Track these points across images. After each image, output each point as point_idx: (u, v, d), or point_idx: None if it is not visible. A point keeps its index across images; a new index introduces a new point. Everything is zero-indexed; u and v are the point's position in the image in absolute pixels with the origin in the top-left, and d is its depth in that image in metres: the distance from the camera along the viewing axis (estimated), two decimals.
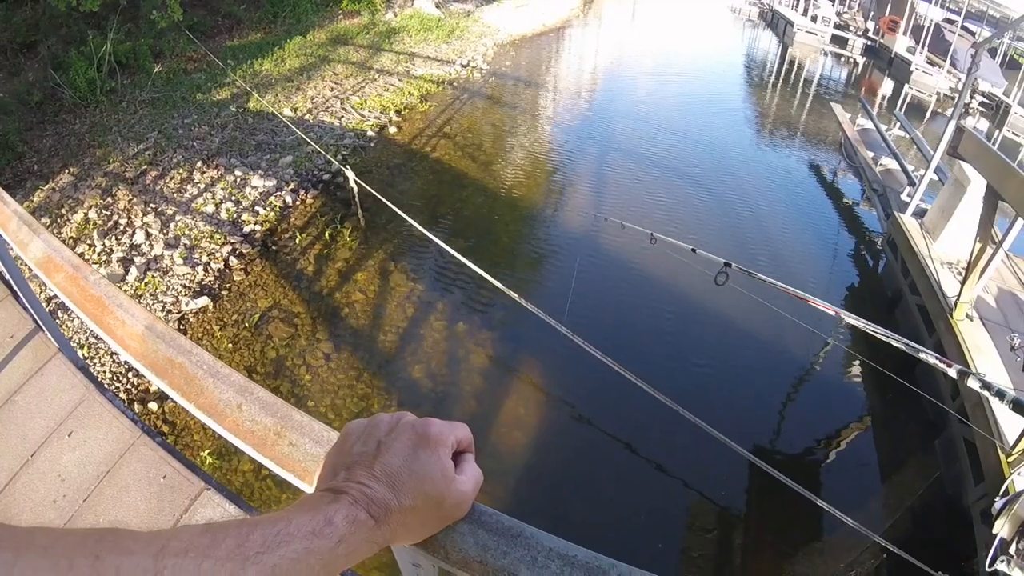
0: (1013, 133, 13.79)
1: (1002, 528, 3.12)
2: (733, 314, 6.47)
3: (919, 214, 7.37)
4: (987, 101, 15.42)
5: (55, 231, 6.87)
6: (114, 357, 5.40)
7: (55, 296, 3.27)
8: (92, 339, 5.50)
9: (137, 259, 6.64)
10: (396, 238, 7.67)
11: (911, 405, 5.50)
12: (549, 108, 13.69)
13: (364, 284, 6.84)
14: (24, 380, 1.72)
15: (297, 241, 7.46)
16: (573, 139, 11.90)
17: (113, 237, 6.96)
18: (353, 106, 11.42)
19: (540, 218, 8.89)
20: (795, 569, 4.42)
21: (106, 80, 10.15)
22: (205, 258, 6.82)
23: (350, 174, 7.05)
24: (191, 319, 6.09)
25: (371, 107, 11.51)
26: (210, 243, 7.06)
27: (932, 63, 18.16)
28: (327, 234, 7.59)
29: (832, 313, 3.77)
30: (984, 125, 14.96)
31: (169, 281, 6.43)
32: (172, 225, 7.24)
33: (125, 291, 6.16)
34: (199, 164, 8.53)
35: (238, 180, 8.34)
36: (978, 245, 5.15)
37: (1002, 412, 4.18)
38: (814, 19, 23.54)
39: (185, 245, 6.94)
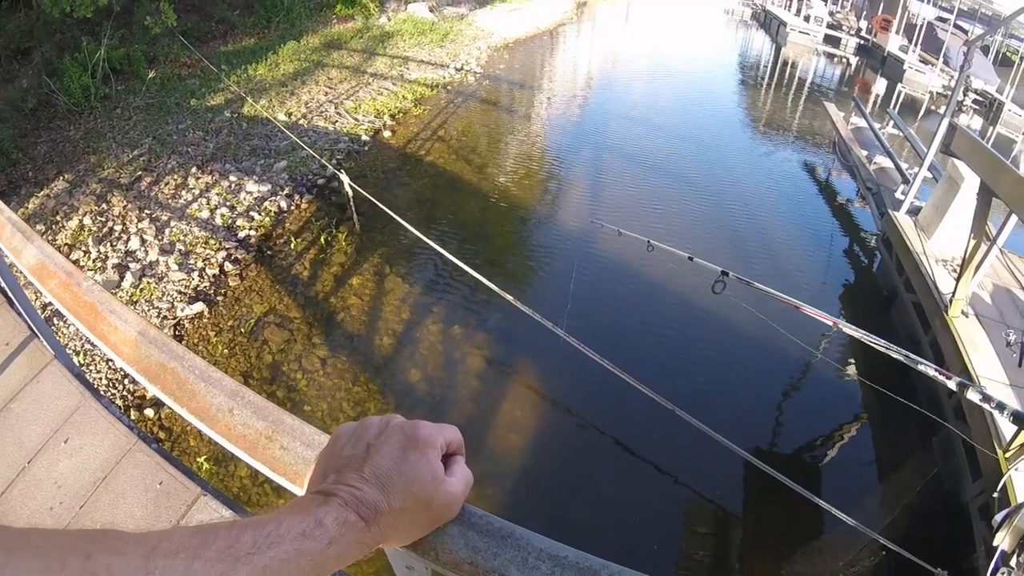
0: (1007, 130, 13.86)
1: (1003, 541, 3.13)
2: (731, 318, 6.46)
3: (913, 212, 7.40)
4: (980, 98, 15.52)
5: (50, 238, 6.84)
6: (109, 364, 5.38)
7: (50, 303, 3.27)
8: (88, 346, 5.47)
9: (132, 265, 6.62)
10: (391, 242, 7.66)
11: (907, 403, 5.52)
12: (543, 111, 13.71)
13: (359, 288, 6.83)
14: (20, 387, 1.72)
15: (292, 246, 7.44)
16: (567, 142, 11.92)
17: (108, 243, 6.94)
18: (347, 110, 11.42)
19: (535, 223, 8.87)
20: (794, 568, 4.43)
21: (100, 86, 10.14)
22: (200, 264, 6.80)
23: (345, 178, 7.04)
24: (187, 325, 6.07)
25: (365, 111, 11.51)
26: (205, 249, 7.04)
27: (925, 61, 18.30)
28: (322, 239, 7.58)
29: (830, 323, 3.77)
30: (977, 122, 15.06)
31: (164, 287, 6.41)
32: (167, 231, 7.22)
33: (121, 298, 6.15)
34: (194, 170, 8.51)
35: (233, 185, 8.33)
36: (972, 242, 5.18)
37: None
38: (807, 19, 23.67)
39: (180, 251, 6.92)
